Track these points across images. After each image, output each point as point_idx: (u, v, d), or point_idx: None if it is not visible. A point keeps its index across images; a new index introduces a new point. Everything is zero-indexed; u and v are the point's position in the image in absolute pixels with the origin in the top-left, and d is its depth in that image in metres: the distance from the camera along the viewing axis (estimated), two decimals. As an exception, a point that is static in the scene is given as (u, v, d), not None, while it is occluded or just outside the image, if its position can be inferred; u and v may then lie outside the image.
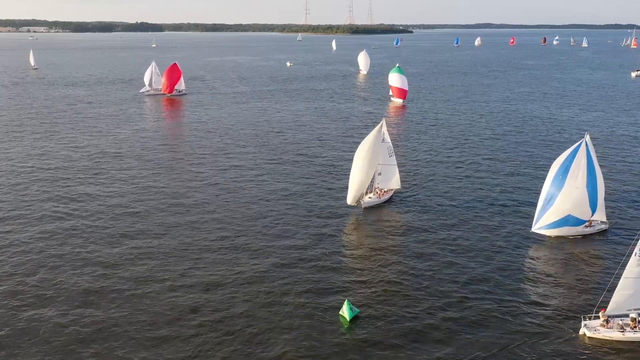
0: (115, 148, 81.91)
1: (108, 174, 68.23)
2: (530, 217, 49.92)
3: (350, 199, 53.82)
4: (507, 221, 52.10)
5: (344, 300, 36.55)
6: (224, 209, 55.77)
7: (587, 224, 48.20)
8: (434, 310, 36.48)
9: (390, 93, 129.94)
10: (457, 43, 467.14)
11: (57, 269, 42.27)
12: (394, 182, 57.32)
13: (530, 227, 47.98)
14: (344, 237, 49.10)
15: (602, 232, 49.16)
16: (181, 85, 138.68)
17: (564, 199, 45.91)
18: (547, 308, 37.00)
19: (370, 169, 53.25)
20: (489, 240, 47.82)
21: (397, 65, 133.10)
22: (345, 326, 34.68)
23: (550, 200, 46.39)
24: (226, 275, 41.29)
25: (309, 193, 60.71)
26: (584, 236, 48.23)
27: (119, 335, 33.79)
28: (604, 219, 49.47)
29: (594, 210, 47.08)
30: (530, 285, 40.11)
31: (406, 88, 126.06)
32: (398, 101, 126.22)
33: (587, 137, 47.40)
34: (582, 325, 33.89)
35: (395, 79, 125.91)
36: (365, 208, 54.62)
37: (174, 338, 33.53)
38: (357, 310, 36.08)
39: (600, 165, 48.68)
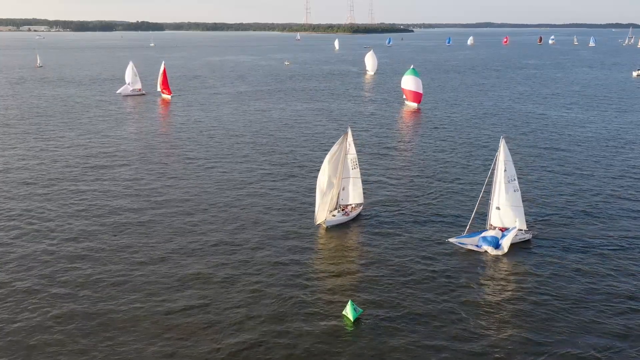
0: (106, 149, 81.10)
1: (99, 175, 68.03)
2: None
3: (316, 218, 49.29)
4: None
5: (347, 300, 36.26)
6: (216, 214, 55.47)
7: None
8: (437, 310, 36.17)
9: (404, 97, 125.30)
10: (449, 43, 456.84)
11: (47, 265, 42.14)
12: (357, 196, 52.32)
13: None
14: (340, 239, 48.70)
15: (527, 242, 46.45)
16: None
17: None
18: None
19: (331, 184, 48.84)
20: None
21: (412, 67, 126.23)
22: (349, 327, 34.40)
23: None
24: (223, 277, 41.00)
25: (307, 196, 60.32)
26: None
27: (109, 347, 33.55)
28: (525, 227, 46.57)
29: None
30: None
31: (421, 91, 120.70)
32: (412, 105, 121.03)
33: (502, 142, 44.99)
34: None
35: (409, 82, 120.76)
36: (328, 227, 49.65)
37: (173, 350, 33.21)
38: (361, 310, 35.78)
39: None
